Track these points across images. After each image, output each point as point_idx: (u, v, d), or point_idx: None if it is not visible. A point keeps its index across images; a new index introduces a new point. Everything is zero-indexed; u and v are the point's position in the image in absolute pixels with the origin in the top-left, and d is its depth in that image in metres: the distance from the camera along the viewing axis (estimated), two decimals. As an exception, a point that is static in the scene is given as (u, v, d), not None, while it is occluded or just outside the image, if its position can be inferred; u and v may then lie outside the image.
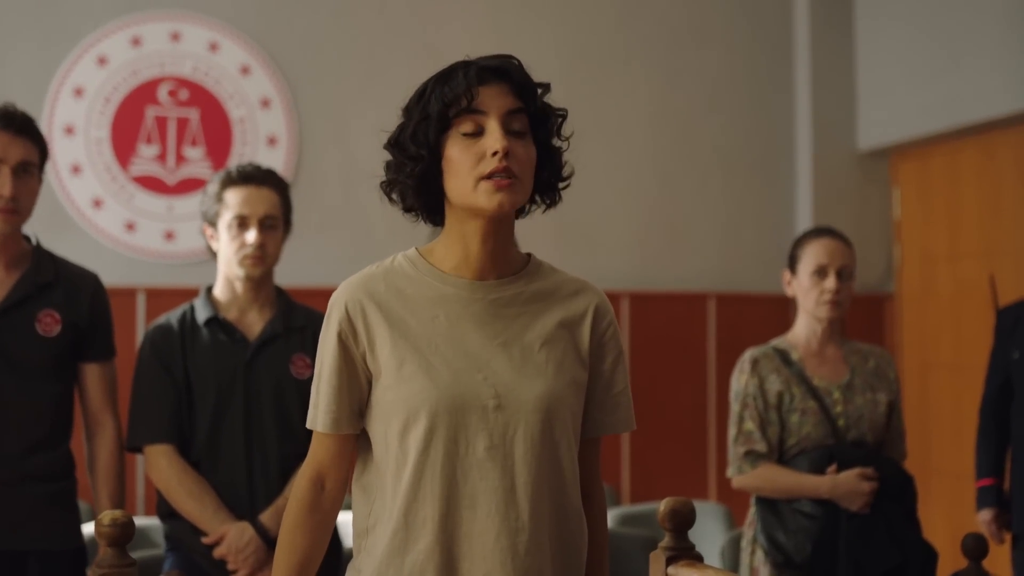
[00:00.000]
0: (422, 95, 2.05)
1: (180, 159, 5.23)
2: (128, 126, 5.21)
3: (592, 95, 5.63)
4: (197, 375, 3.24)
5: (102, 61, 5.19)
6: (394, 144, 2.08)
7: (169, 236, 5.20)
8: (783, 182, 6.03)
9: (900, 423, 3.59)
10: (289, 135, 5.36)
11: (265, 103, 5.35)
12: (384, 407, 2.05)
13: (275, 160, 5.24)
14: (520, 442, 2.02)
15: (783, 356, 3.52)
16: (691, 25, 5.93)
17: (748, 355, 3.54)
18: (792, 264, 3.60)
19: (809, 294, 3.51)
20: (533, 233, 4.70)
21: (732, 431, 3.49)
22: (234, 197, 3.27)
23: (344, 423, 2.09)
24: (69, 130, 5.15)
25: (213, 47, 5.30)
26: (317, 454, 2.12)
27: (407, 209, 2.12)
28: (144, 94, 5.24)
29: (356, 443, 2.13)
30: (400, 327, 2.05)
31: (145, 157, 5.21)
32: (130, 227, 5.18)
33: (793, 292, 3.59)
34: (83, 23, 5.20)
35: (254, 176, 3.31)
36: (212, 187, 3.33)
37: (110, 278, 4.92)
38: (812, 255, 3.53)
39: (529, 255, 2.16)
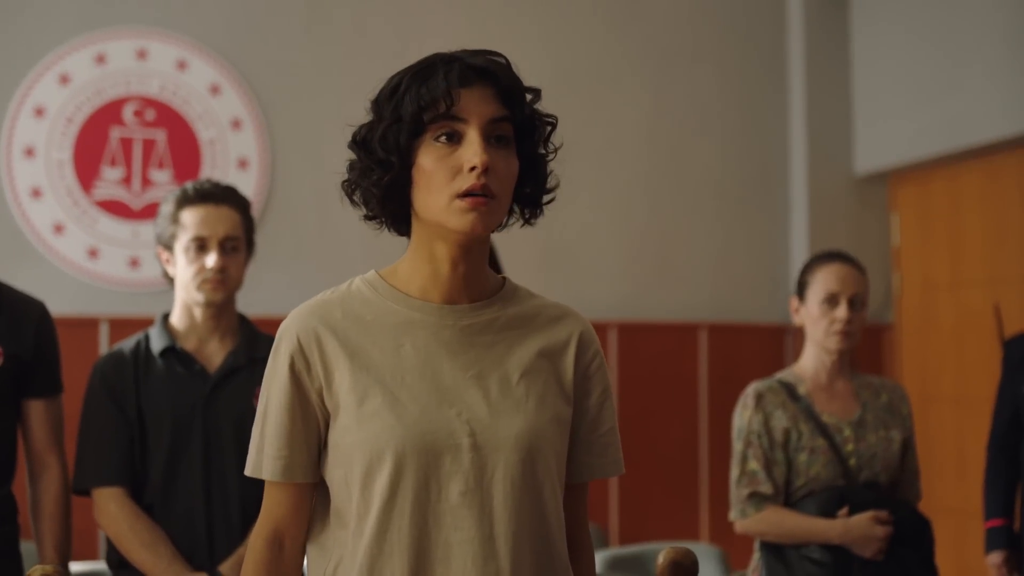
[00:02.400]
0: (395, 91, 1.82)
1: (146, 183, 5.02)
2: (91, 148, 4.99)
3: (579, 116, 5.47)
4: (151, 411, 2.99)
5: (64, 79, 4.98)
6: (360, 144, 1.85)
7: (134, 263, 4.98)
8: (777, 207, 5.89)
9: (915, 462, 3.42)
10: (261, 158, 5.16)
11: (236, 124, 5.15)
12: (344, 450, 1.81)
13: (246, 184, 5.03)
14: (499, 485, 1.80)
15: (789, 390, 3.34)
16: (682, 45, 5.79)
17: (752, 389, 3.35)
18: (800, 290, 3.42)
19: (818, 323, 3.34)
20: (516, 259, 4.55)
21: (735, 471, 3.30)
22: (191, 217, 3.05)
23: (297, 470, 1.84)
24: (29, 152, 4.93)
25: (181, 65, 5.10)
26: (272, 509, 1.87)
27: (369, 217, 1.90)
28: (108, 114, 5.02)
29: (313, 494, 1.89)
30: (361, 358, 1.82)
31: (109, 180, 5.00)
32: (93, 254, 4.96)
33: (801, 321, 3.42)
34: (44, 40, 4.99)
35: (212, 194, 3.08)
36: (166, 207, 3.10)
37: (71, 307, 4.85)
38: (822, 282, 3.35)
39: (504, 278, 1.95)
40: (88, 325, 4.85)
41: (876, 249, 5.80)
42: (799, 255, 5.74)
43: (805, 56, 5.83)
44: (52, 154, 4.95)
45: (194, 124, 5.10)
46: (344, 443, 1.80)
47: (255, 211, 4.96)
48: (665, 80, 5.74)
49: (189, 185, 3.11)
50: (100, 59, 5.02)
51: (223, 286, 3.04)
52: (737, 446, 3.30)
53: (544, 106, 1.90)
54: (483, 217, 1.77)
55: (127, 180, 5.01)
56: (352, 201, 1.89)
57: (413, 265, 1.87)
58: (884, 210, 5.89)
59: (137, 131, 5.04)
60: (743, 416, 3.32)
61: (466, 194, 1.76)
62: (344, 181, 1.88)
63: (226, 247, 3.04)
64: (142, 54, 5.07)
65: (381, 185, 1.82)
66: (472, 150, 1.76)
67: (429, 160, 1.78)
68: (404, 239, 1.93)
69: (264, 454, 1.84)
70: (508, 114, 1.81)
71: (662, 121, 5.74)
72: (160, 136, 5.06)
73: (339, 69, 5.24)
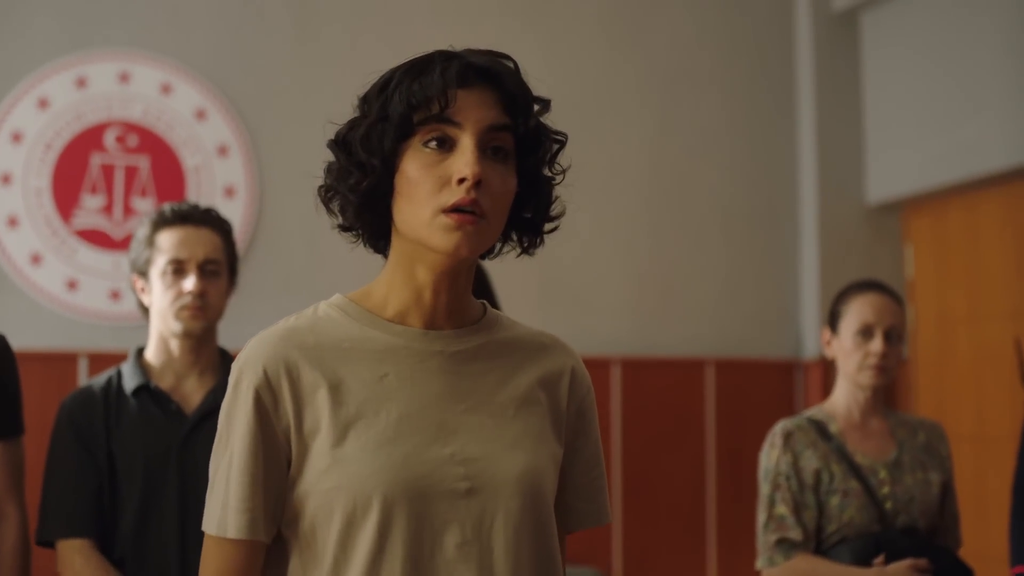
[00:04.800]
0: (386, 86, 1.61)
1: (128, 211, 4.83)
2: (71, 175, 4.81)
3: (580, 141, 5.25)
4: (122, 454, 2.76)
5: (43, 103, 4.81)
6: (340, 143, 1.64)
7: (115, 296, 4.79)
8: (786, 238, 5.73)
9: (954, 506, 3.26)
10: (248, 185, 4.98)
11: (222, 150, 4.98)
12: (318, 498, 1.58)
13: (233, 212, 4.84)
14: (499, 535, 1.59)
15: (820, 429, 3.14)
16: (688, 68, 5.66)
17: (780, 427, 3.17)
18: (833, 321, 3.26)
19: (851, 357, 3.17)
20: (512, 291, 4.37)
21: (761, 516, 3.10)
22: (168, 240, 2.84)
23: (261, 525, 1.60)
24: (6, 179, 4.75)
25: (165, 89, 4.93)
26: (224, 570, 1.62)
27: (346, 228, 1.68)
28: (89, 140, 4.84)
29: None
30: (339, 391, 1.59)
31: (89, 209, 4.81)
32: (72, 285, 4.77)
33: (833, 354, 3.25)
34: (23, 62, 4.82)
35: (191, 215, 2.87)
36: (142, 230, 2.89)
37: (49, 341, 4.66)
38: (857, 312, 3.18)
39: (484, 304, 1.73)
40: (66, 360, 4.67)
41: (889, 281, 5.53)
42: (809, 287, 5.61)
43: (815, 81, 5.69)
44: (30, 181, 4.77)
45: (179, 150, 4.93)
46: (319, 490, 1.58)
47: (242, 241, 4.77)
48: (670, 104, 5.61)
49: (166, 206, 2.91)
50: (81, 82, 4.86)
51: (202, 313, 2.82)
52: (764, 489, 3.12)
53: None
54: (469, 238, 1.56)
55: (108, 209, 4.83)
56: (328, 210, 1.68)
57: (390, 287, 1.66)
58: (897, 241, 5.74)
59: (119, 157, 4.86)
60: (770, 456, 3.14)
61: (453, 209, 1.55)
62: (321, 186, 1.67)
63: (206, 271, 2.83)
64: (124, 77, 4.90)
65: (359, 191, 1.61)
66: (464, 159, 1.55)
67: (415, 167, 1.58)
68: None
69: (228, 508, 1.60)
70: (510, 123, 1.61)
71: (667, 147, 5.60)
72: (143, 163, 4.89)
73: (330, 93, 5.05)
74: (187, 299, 2.81)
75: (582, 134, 5.40)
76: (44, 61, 4.83)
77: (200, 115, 4.96)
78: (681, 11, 5.64)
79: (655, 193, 5.56)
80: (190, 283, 2.80)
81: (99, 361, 4.62)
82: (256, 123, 5.03)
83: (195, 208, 2.90)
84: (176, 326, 2.83)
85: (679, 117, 5.61)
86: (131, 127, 4.88)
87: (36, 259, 4.74)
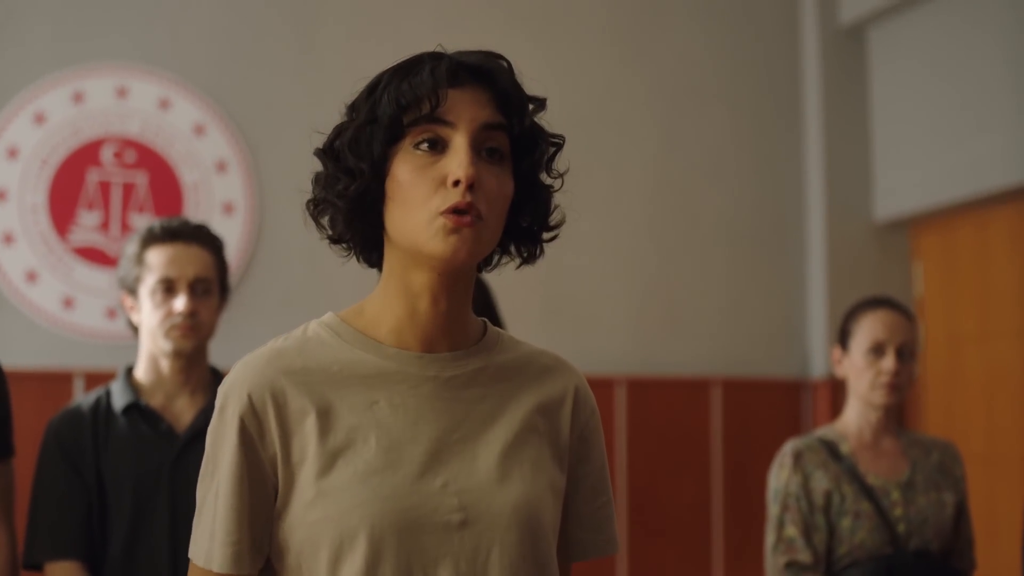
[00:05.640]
0: (374, 89, 1.56)
1: (125, 228, 4.76)
2: (67, 191, 4.74)
3: (584, 157, 5.24)
4: (112, 475, 2.68)
5: (39, 118, 4.75)
6: (327, 151, 1.58)
7: (112, 314, 4.72)
8: (793, 256, 5.67)
9: (968, 528, 3.21)
10: (248, 202, 4.92)
11: (221, 166, 4.91)
12: (305, 531, 1.50)
13: (232, 229, 4.79)
14: (496, 568, 1.51)
15: (831, 449, 3.09)
16: (694, 84, 5.60)
17: (790, 447, 3.12)
18: (843, 339, 3.21)
19: (863, 375, 3.12)
20: (515, 309, 4.30)
21: (770, 538, 3.05)
22: (157, 257, 2.77)
23: (246, 559, 1.52)
24: (1, 195, 4.69)
25: (163, 104, 4.87)
26: None
27: (335, 240, 1.61)
28: (86, 155, 4.78)
29: None
30: (327, 418, 1.52)
31: (86, 226, 4.75)
32: (68, 303, 4.70)
33: (844, 373, 3.20)
34: (19, 76, 4.76)
35: (181, 232, 2.81)
36: (131, 247, 2.83)
37: (45, 360, 4.59)
38: (868, 330, 3.13)
39: (485, 322, 1.65)
40: (62, 380, 4.60)
41: (898, 299, 5.58)
42: (816, 306, 5.55)
43: (822, 96, 5.64)
44: (26, 197, 4.71)
45: (177, 166, 4.86)
46: (305, 522, 1.50)
47: (241, 259, 4.71)
48: (676, 120, 5.55)
49: (156, 223, 2.85)
50: (78, 97, 4.80)
51: (193, 333, 2.76)
52: (773, 510, 3.06)
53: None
54: (467, 241, 1.48)
55: (105, 225, 4.76)
56: (318, 224, 1.61)
57: (384, 302, 1.58)
58: (906, 258, 5.67)
59: (116, 173, 4.80)
60: (780, 477, 3.08)
61: (449, 212, 1.48)
62: (308, 200, 1.60)
63: (196, 289, 2.77)
64: (122, 92, 4.84)
65: (347, 197, 1.54)
66: (457, 161, 1.49)
67: (406, 170, 1.51)
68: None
69: (214, 540, 1.52)
70: (504, 122, 1.54)
71: (672, 162, 5.53)
72: (141, 179, 4.82)
73: (331, 108, 4.93)
74: (177, 319, 2.75)
75: (587, 149, 5.38)
76: (41, 75, 4.77)
77: (199, 130, 4.89)
78: (687, 26, 5.59)
79: (660, 210, 5.50)
80: (180, 302, 2.75)
81: (95, 380, 4.55)
82: (255, 138, 4.96)
83: (185, 224, 2.84)
84: (166, 345, 2.77)
85: (685, 132, 5.55)
86: (128, 142, 4.82)
87: (32, 276, 4.68)
